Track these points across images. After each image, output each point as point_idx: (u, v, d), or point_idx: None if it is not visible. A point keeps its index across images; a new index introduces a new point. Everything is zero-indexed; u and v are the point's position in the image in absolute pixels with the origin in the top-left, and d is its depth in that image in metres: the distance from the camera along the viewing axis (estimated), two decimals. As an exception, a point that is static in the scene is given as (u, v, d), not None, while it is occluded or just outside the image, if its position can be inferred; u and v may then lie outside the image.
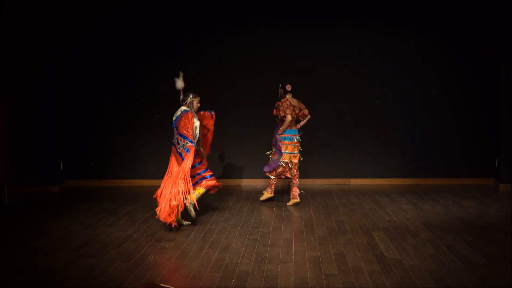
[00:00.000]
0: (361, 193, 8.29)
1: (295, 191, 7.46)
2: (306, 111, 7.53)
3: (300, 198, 7.53)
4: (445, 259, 5.04)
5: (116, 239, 5.84)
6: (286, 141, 7.39)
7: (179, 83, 6.53)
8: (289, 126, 7.41)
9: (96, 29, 9.05)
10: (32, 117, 8.65)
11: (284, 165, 7.41)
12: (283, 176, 7.51)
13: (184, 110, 6.36)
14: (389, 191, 8.43)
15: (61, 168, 8.94)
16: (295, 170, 7.45)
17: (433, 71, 8.94)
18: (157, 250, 5.45)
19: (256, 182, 9.02)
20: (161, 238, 5.88)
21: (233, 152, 9.12)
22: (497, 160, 8.72)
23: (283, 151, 7.38)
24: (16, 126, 8.53)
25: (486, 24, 8.78)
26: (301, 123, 7.55)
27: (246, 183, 9.11)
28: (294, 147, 7.43)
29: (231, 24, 9.00)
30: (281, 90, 7.51)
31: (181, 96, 6.53)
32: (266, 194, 7.65)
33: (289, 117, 7.32)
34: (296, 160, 7.47)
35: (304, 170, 9.12)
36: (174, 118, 6.45)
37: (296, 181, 7.47)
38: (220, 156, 9.08)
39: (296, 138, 7.46)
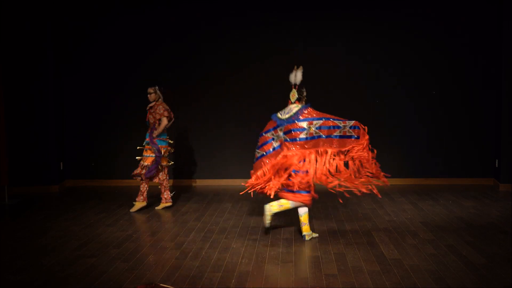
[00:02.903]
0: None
1: (167, 194, 7.30)
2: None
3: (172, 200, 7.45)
4: (445, 259, 5.04)
5: (116, 239, 5.84)
6: (164, 145, 7.21)
7: (297, 77, 5.90)
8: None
9: (97, 29, 9.05)
10: (32, 117, 8.65)
11: (160, 168, 7.19)
12: (155, 180, 7.24)
13: (304, 106, 5.81)
14: (389, 191, 8.41)
15: (61, 168, 8.94)
16: (165, 173, 7.26)
17: (433, 71, 8.94)
18: (157, 250, 5.44)
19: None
20: (161, 238, 5.88)
21: (233, 152, 9.11)
22: (497, 160, 8.71)
23: (163, 155, 7.13)
24: (16, 126, 8.53)
25: (486, 24, 8.77)
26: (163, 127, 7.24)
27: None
28: (166, 150, 7.24)
29: (231, 25, 9.00)
30: (159, 93, 7.29)
31: (293, 93, 5.84)
32: (139, 204, 7.16)
33: (165, 120, 7.13)
34: (166, 163, 7.28)
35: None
36: (287, 116, 5.80)
37: (166, 183, 7.28)
38: (221, 156, 9.07)
39: (168, 141, 7.31)
